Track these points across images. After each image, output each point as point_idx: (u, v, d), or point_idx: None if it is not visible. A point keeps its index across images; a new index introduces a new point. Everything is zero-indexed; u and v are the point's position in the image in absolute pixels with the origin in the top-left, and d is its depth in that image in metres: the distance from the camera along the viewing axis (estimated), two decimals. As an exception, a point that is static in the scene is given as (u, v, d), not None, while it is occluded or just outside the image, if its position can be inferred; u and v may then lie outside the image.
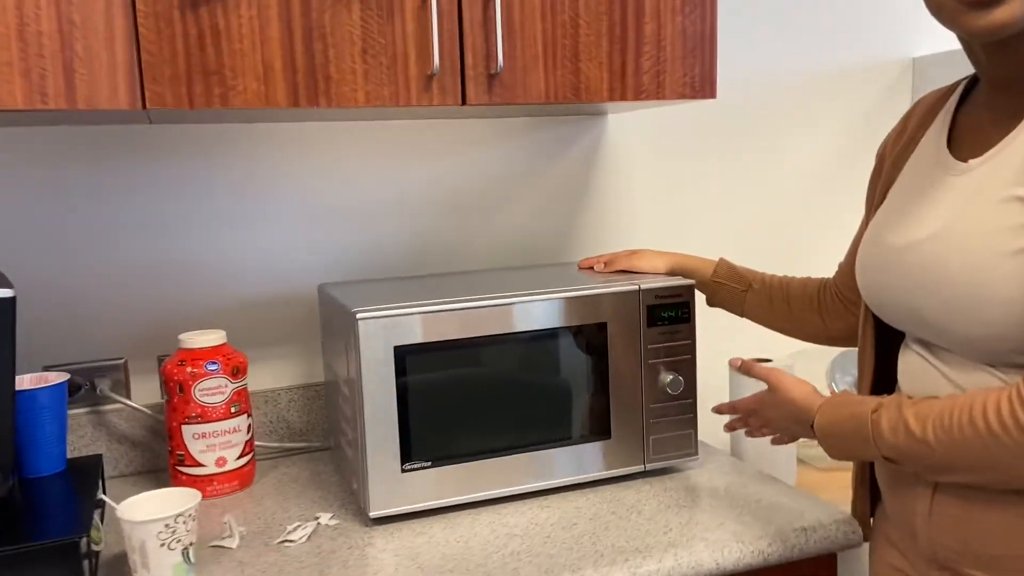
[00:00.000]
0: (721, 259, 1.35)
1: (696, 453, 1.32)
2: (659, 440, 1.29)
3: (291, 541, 1.15)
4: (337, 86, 1.14)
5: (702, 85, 1.32)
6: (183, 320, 1.45)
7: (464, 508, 1.22)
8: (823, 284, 1.25)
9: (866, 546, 1.18)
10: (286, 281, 1.50)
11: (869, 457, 0.93)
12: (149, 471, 1.44)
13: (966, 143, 0.95)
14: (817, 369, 1.63)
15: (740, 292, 1.31)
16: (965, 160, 0.92)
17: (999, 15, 0.82)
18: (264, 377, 1.51)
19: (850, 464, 1.57)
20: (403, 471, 1.18)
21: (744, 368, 1.14)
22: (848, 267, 1.20)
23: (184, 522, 1.04)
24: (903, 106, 1.87)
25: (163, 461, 1.45)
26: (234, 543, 1.14)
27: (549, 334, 1.22)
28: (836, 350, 1.66)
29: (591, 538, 1.11)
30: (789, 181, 1.81)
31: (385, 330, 1.15)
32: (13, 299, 1.11)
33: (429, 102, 1.18)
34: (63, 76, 1.02)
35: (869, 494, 1.10)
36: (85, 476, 1.24)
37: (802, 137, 1.80)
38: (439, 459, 1.19)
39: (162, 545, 1.02)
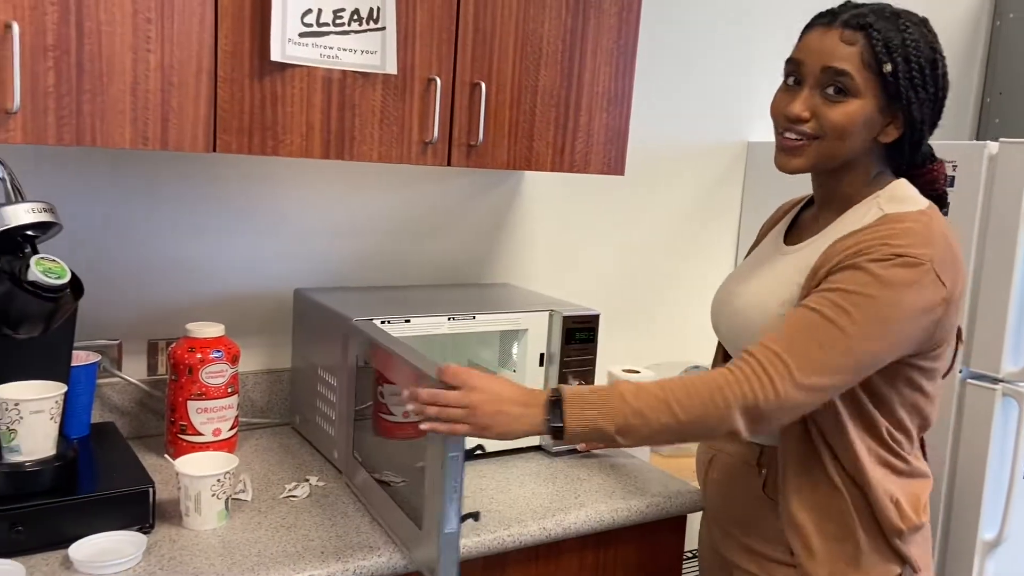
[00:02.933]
0: None
1: (588, 439, 1.76)
2: (564, 429, 1.72)
3: (295, 496, 1.47)
4: (359, 145, 1.47)
5: (616, 164, 1.76)
6: (169, 312, 1.71)
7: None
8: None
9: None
10: (262, 284, 1.79)
11: (607, 424, 1.12)
12: (137, 437, 1.68)
13: (795, 235, 1.40)
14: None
15: None
16: (792, 244, 1.37)
17: (794, 163, 1.24)
18: (235, 362, 1.79)
19: (689, 453, 2.07)
20: (382, 445, 1.53)
21: (441, 373, 1.15)
22: None
23: (229, 478, 1.34)
24: (738, 179, 2.42)
25: (148, 429, 1.70)
26: (248, 496, 1.45)
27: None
28: (685, 364, 2.17)
29: (525, 501, 1.52)
30: (650, 233, 2.30)
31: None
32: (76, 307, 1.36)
33: (424, 162, 1.54)
34: (160, 125, 1.29)
35: None
36: (110, 438, 1.49)
37: (662, 201, 2.30)
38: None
39: (213, 495, 1.32)
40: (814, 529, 1.26)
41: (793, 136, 1.23)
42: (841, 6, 1.24)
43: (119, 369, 1.68)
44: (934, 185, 1.30)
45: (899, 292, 1.14)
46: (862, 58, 1.18)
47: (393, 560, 1.29)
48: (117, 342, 1.67)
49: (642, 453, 1.92)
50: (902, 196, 1.25)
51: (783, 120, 1.24)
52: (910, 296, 1.15)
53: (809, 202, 1.45)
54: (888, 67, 1.18)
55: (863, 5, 1.23)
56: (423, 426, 1.13)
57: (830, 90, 1.20)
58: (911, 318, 1.16)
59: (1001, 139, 1.84)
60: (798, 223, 1.41)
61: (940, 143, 1.98)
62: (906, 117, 1.21)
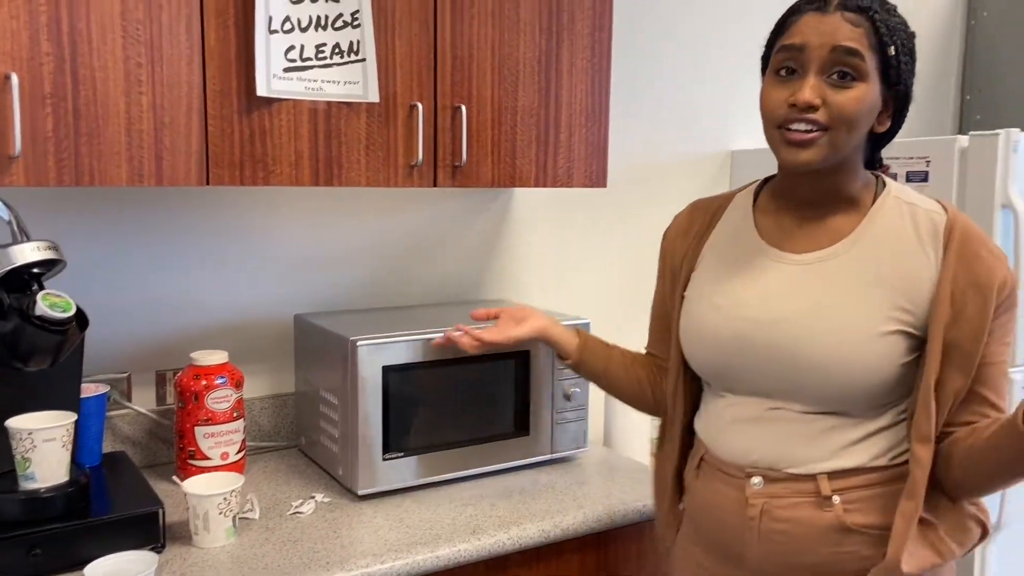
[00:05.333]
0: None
1: (586, 445, 1.80)
2: (561, 437, 1.77)
3: (301, 512, 1.52)
4: (347, 172, 1.54)
5: (598, 177, 1.82)
6: (175, 343, 1.77)
7: (427, 488, 1.64)
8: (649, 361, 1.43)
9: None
10: (262, 312, 1.85)
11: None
12: (149, 466, 1.74)
13: (775, 239, 1.20)
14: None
15: (604, 348, 1.46)
16: (796, 252, 1.17)
17: (804, 155, 1.10)
18: (240, 388, 1.84)
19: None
20: (384, 460, 1.58)
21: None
22: (660, 338, 1.40)
23: (235, 496, 1.39)
24: (724, 188, 2.47)
25: (159, 457, 1.75)
26: (255, 515, 1.50)
27: (491, 359, 1.67)
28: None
29: (525, 505, 1.57)
30: (640, 243, 2.35)
31: (376, 353, 1.55)
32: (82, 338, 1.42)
33: (410, 184, 1.60)
34: (154, 162, 1.36)
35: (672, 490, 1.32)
36: (122, 465, 1.54)
37: (650, 211, 2.36)
38: (409, 451, 1.60)
39: (220, 513, 1.37)
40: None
41: (804, 127, 1.10)
42: None
43: (129, 400, 1.73)
44: None
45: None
46: (868, 40, 1.09)
47: (396, 566, 1.34)
48: (126, 375, 1.73)
49: (643, 456, 1.96)
50: (909, 192, 1.19)
51: (788, 112, 1.11)
52: None
53: (761, 199, 1.27)
54: (892, 50, 1.11)
55: None
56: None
57: (835, 76, 1.09)
58: None
59: (971, 132, 1.89)
60: (776, 226, 1.21)
61: (914, 140, 2.03)
62: (896, 104, 1.15)
